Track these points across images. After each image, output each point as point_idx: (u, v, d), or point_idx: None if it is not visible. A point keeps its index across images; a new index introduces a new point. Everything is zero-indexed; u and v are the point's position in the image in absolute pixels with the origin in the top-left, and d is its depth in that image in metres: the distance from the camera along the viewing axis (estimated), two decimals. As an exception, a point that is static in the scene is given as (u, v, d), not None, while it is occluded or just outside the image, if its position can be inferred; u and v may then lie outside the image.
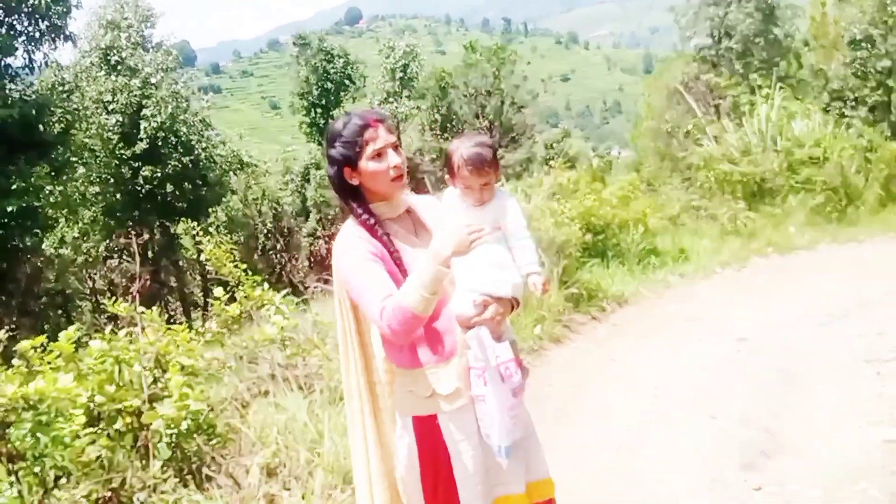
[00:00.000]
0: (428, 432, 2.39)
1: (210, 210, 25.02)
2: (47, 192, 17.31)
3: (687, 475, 4.42)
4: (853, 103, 16.75)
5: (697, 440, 4.89)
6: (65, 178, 18.82)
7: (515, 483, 2.44)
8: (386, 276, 2.28)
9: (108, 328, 4.06)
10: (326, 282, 8.27)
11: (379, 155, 2.32)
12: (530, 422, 2.55)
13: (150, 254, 21.30)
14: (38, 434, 3.33)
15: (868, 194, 12.00)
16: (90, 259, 22.39)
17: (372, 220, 2.36)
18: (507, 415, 2.32)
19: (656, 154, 22.80)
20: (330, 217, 31.94)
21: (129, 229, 19.59)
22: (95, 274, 22.77)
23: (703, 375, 6.05)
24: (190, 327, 4.55)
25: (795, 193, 11.56)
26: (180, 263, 24.12)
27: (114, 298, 4.82)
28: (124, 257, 21.73)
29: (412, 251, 2.38)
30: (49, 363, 3.91)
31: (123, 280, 21.42)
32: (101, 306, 21.98)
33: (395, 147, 2.36)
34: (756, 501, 4.09)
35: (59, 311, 21.34)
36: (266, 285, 5.22)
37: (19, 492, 3.40)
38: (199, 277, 25.61)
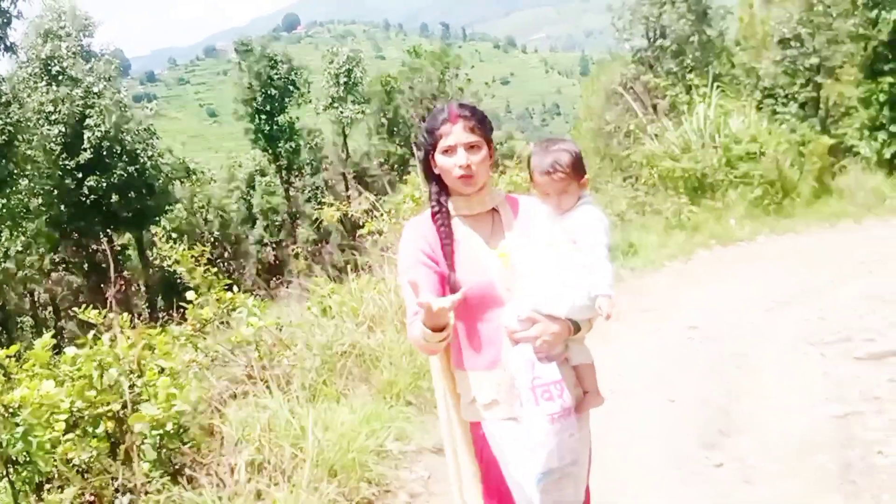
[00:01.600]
0: (477, 438, 2.36)
1: (155, 219, 24.60)
2: (-11, 205, 16.82)
3: (650, 455, 4.64)
4: (784, 100, 17.40)
5: (658, 423, 5.11)
6: (7, 190, 18.29)
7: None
8: (428, 282, 2.26)
9: (90, 334, 4.07)
10: (278, 287, 8.31)
11: (447, 151, 2.30)
12: (583, 451, 2.34)
13: (101, 265, 20.80)
14: (30, 438, 3.34)
15: (803, 187, 12.55)
16: (33, 273, 21.80)
17: (437, 207, 2.37)
18: (538, 441, 2.16)
19: (596, 154, 23.23)
20: (277, 224, 31.74)
21: (75, 241, 19.13)
22: (38, 288, 22.15)
23: (659, 362, 6.31)
24: (163, 331, 4.58)
25: (735, 187, 12.02)
26: (125, 274, 23.64)
27: (82, 308, 4.81)
28: (70, 270, 21.21)
29: (475, 250, 2.34)
30: (26, 371, 3.92)
31: (68, 293, 20.91)
32: (44, 320, 21.42)
33: (471, 147, 2.29)
34: (718, 477, 4.32)
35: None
36: (235, 288, 5.27)
37: (12, 495, 3.41)
38: (143, 287, 25.16)
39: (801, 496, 3.98)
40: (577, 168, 2.26)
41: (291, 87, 30.28)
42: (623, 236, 10.41)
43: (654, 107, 18.35)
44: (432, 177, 2.40)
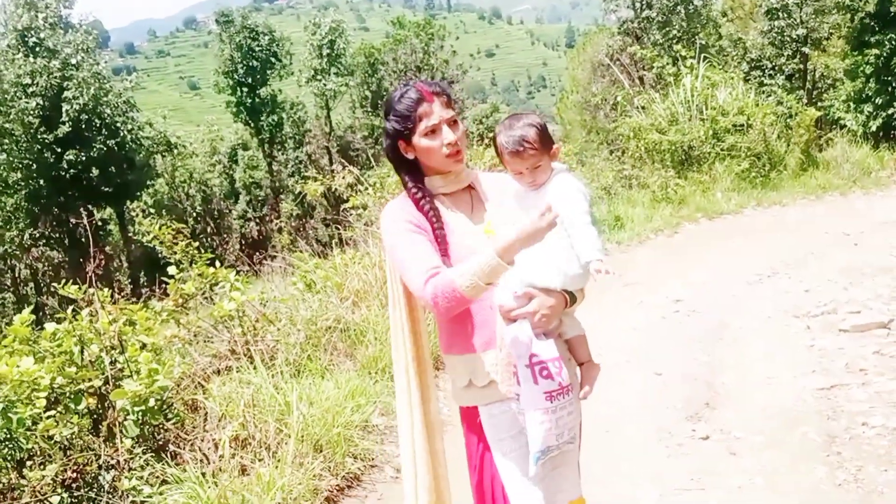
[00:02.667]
0: (472, 424, 2.30)
1: (136, 194, 24.33)
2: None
3: (636, 428, 4.65)
4: (771, 72, 17.39)
5: (643, 396, 5.12)
6: (-15, 165, 18.01)
7: (571, 489, 2.30)
8: (430, 247, 2.20)
9: (70, 310, 4.00)
10: (262, 262, 8.24)
11: (433, 131, 2.21)
12: (577, 425, 2.29)
13: (80, 239, 20.56)
14: (10, 415, 3.29)
15: (789, 159, 12.57)
16: (13, 248, 21.53)
17: (420, 194, 2.27)
18: (536, 419, 2.13)
19: (583, 127, 23.19)
20: (260, 198, 31.51)
21: (55, 216, 18.88)
22: (18, 264, 21.92)
23: (645, 336, 6.32)
24: (145, 307, 4.51)
25: (721, 160, 12.02)
26: (107, 249, 23.42)
27: (62, 283, 4.72)
28: (50, 245, 20.97)
29: (462, 229, 2.27)
30: (6, 347, 3.85)
31: (49, 269, 20.70)
32: (25, 296, 21.22)
33: (453, 122, 2.24)
34: (704, 449, 4.33)
35: (-21, 304, 20.52)
36: (218, 263, 5.20)
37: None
38: (125, 263, 24.97)
39: (787, 467, 4.00)
40: (544, 140, 2.21)
41: (273, 59, 29.88)
42: (609, 210, 10.40)
43: (641, 79, 18.29)
44: (404, 163, 2.31)
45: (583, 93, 23.16)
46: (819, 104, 17.20)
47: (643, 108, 13.94)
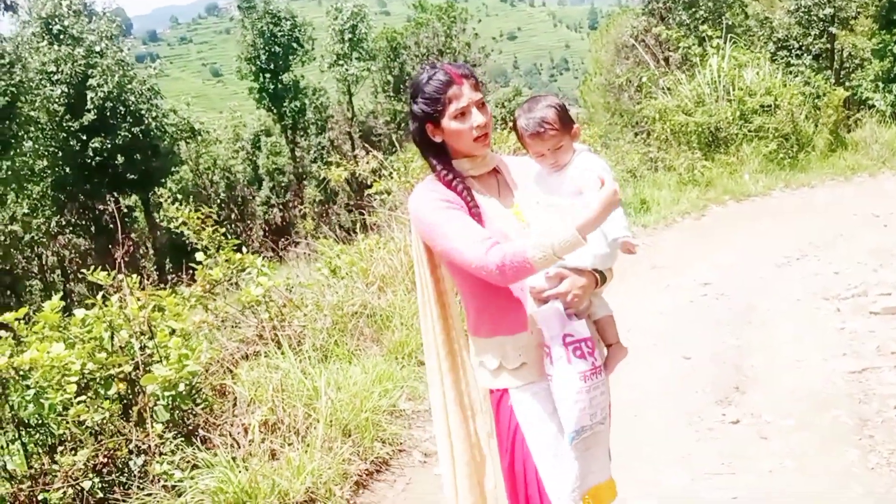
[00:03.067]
0: (503, 409, 2.28)
1: (161, 181, 24.51)
2: (-6, 167, 16.77)
3: (665, 412, 4.62)
4: (798, 52, 17.06)
5: (672, 380, 5.09)
6: (12, 153, 18.20)
7: (601, 471, 2.30)
8: (473, 220, 2.18)
9: (99, 296, 4.03)
10: (286, 248, 8.27)
11: (462, 114, 2.19)
12: (608, 405, 2.30)
13: (106, 226, 20.81)
14: (41, 401, 3.33)
15: (818, 140, 12.36)
16: (40, 236, 21.81)
17: (450, 175, 2.25)
18: (571, 398, 2.13)
19: (606, 109, 22.96)
20: (283, 185, 31.63)
21: (81, 203, 19.09)
22: (45, 251, 22.20)
23: (673, 319, 6.27)
24: (173, 292, 4.54)
25: (749, 142, 11.83)
26: (133, 236, 23.65)
27: (89, 269, 4.76)
28: (77, 232, 21.20)
29: (492, 211, 2.26)
30: (36, 333, 3.89)
31: (76, 256, 20.94)
32: (52, 283, 21.51)
33: (481, 105, 2.22)
34: (733, 433, 4.30)
35: (7, 291, 20.80)
36: (245, 249, 5.22)
37: (25, 457, 3.41)
38: (151, 249, 25.21)
39: (818, 451, 3.96)
40: (565, 121, 2.23)
41: (295, 45, 29.82)
42: (635, 193, 10.30)
43: (666, 60, 18.05)
44: (431, 146, 2.28)
45: (606, 75, 22.91)
46: (847, 84, 16.87)
47: (668, 89, 13.76)
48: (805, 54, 17.02)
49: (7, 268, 20.82)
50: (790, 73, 14.67)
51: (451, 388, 2.40)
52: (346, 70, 27.98)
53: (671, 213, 9.75)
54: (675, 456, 4.07)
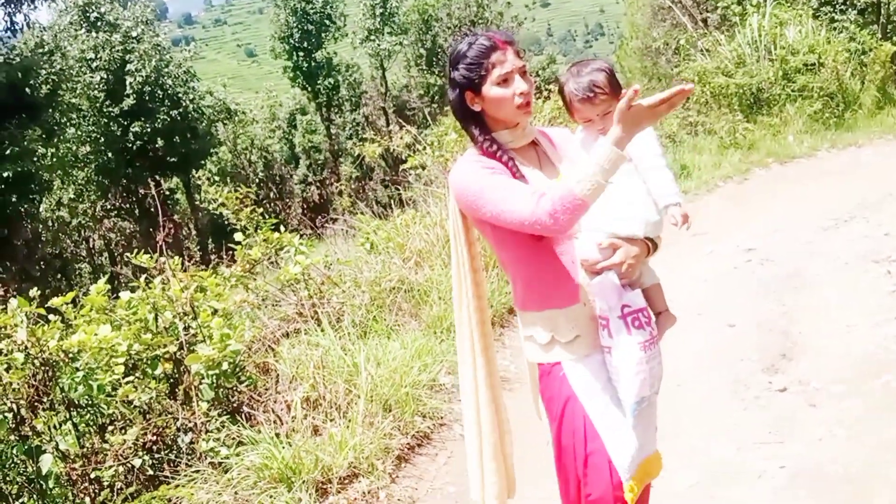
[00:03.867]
0: (553, 381, 2.22)
1: (201, 162, 24.84)
2: (40, 154, 17.13)
3: (710, 381, 4.55)
4: (843, 6, 16.49)
5: (717, 347, 5.01)
6: (56, 140, 18.62)
7: (649, 444, 2.26)
8: (520, 182, 2.13)
9: (142, 278, 4.10)
10: (324, 225, 8.30)
11: (505, 80, 2.12)
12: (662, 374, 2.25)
13: (149, 209, 21.20)
14: (90, 382, 3.40)
15: (865, 97, 11.97)
16: (87, 220, 22.34)
17: (494, 147, 2.18)
18: (633, 370, 2.10)
19: (644, 74, 22.53)
20: (320, 162, 31.82)
21: (125, 187, 19.48)
22: (92, 235, 22.73)
23: (716, 286, 6.16)
24: (214, 273, 4.60)
25: (792, 102, 11.51)
26: (175, 218, 24.06)
27: (134, 252, 4.84)
28: (122, 215, 21.65)
29: (537, 183, 2.17)
30: (83, 316, 3.98)
31: (122, 239, 21.41)
32: (100, 266, 22.03)
33: (524, 72, 2.15)
34: (782, 401, 4.22)
35: (59, 275, 21.37)
36: (282, 228, 5.25)
37: (77, 437, 3.50)
38: (193, 231, 25.62)
39: (867, 417, 3.87)
40: (614, 85, 2.18)
41: (328, 22, 29.80)
42: (675, 158, 10.11)
43: (705, 20, 17.59)
44: (471, 116, 2.21)
45: (643, 38, 22.45)
46: (895, 39, 16.28)
47: (707, 51, 13.43)
48: (850, 9, 16.40)
49: (57, 252, 21.36)
50: (834, 29, 14.18)
51: (482, 367, 2.36)
52: (379, 45, 27.91)
53: (713, 177, 9.56)
54: (720, 426, 4.01)
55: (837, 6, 16.60)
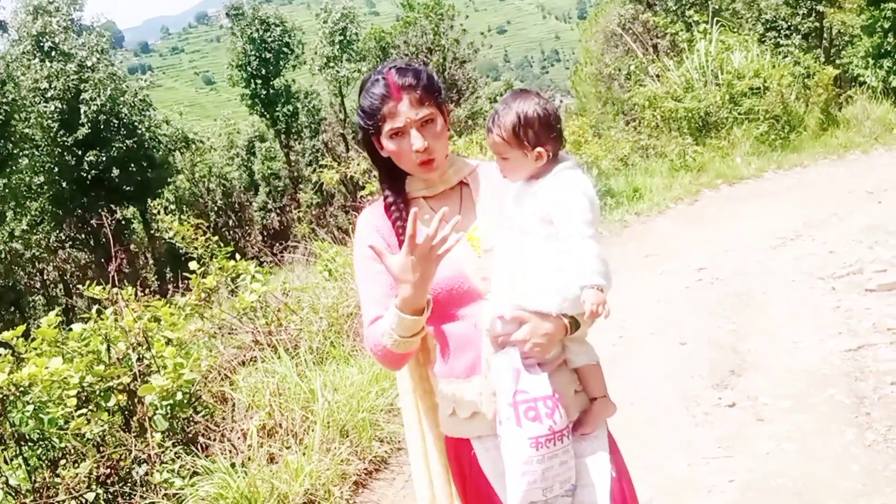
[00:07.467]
0: (456, 455, 2.00)
1: (158, 191, 24.57)
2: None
3: (661, 397, 4.64)
4: (787, 32, 17.09)
5: (668, 366, 5.10)
6: (8, 170, 18.28)
7: None
8: (382, 285, 1.92)
9: (94, 309, 4.07)
10: (283, 252, 8.28)
11: (398, 134, 1.87)
12: (573, 476, 1.87)
13: (103, 239, 20.86)
14: (41, 416, 3.36)
15: (809, 119, 12.36)
16: (41, 251, 21.90)
17: (390, 198, 1.99)
18: (518, 469, 1.76)
19: (598, 99, 23.00)
20: (279, 189, 31.67)
21: (79, 217, 19.16)
22: (46, 266, 22.28)
23: (668, 305, 6.28)
24: (168, 303, 4.58)
25: (740, 125, 11.84)
26: (132, 247, 23.72)
27: (86, 284, 4.80)
28: (76, 246, 21.27)
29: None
30: (35, 349, 3.93)
31: (76, 270, 21.01)
32: (55, 298, 21.59)
33: (425, 122, 1.87)
34: (731, 416, 4.32)
35: (12, 308, 20.89)
36: (239, 256, 5.25)
37: (27, 472, 3.44)
38: (151, 260, 25.27)
39: (815, 431, 3.98)
40: (520, 136, 1.82)
41: (286, 50, 29.84)
42: (627, 181, 10.32)
43: (655, 46, 18.09)
44: (380, 160, 1.98)
45: (597, 64, 22.95)
46: (837, 62, 16.88)
47: (658, 76, 13.78)
48: (794, 34, 17.05)
49: (10, 284, 20.89)
50: (779, 53, 14.69)
51: (429, 430, 2.11)
52: (337, 72, 28.00)
53: (664, 199, 9.77)
54: (672, 442, 4.09)
55: (782, 32, 17.22)
